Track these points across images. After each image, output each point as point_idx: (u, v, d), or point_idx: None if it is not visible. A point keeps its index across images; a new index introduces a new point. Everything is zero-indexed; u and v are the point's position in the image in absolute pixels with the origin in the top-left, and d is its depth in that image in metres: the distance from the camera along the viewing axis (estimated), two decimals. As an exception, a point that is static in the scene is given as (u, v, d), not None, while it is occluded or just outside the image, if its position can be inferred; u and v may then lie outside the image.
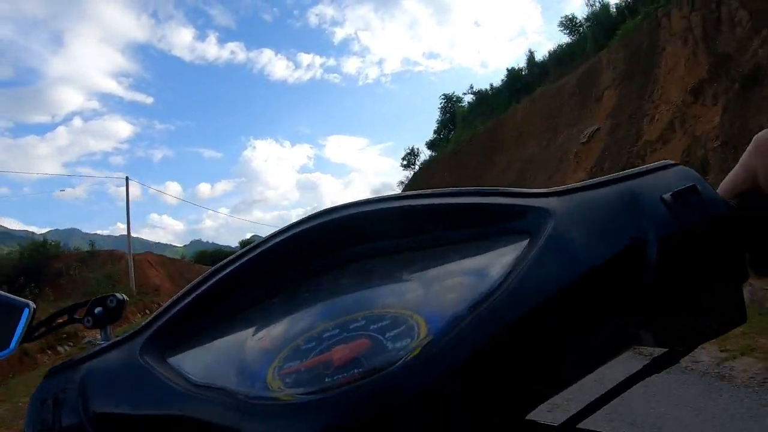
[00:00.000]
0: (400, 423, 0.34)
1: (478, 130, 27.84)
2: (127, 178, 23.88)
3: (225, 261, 0.49)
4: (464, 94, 36.90)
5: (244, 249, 0.49)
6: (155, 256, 30.49)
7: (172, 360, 0.44)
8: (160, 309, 0.48)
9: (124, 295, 0.55)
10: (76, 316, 0.55)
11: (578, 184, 0.44)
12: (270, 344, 0.43)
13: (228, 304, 0.47)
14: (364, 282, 0.46)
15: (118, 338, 0.48)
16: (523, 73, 28.83)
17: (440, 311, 0.39)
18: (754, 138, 0.42)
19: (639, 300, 0.38)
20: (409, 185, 39.00)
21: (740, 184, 0.42)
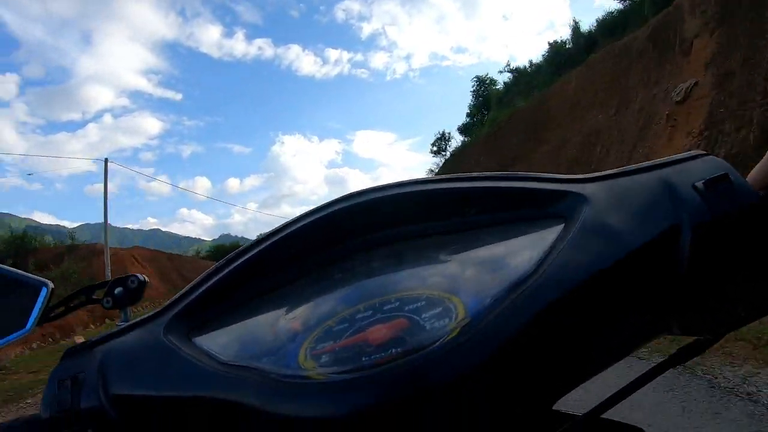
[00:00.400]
0: (438, 402, 0.34)
1: (518, 107, 24.44)
2: (106, 161, 21.24)
3: (252, 242, 0.48)
4: (500, 72, 33.40)
5: (272, 230, 0.48)
6: (146, 251, 27.31)
7: (198, 340, 0.43)
8: (186, 288, 0.47)
9: (145, 276, 0.54)
10: (95, 297, 0.54)
11: (612, 171, 0.44)
12: (301, 325, 0.42)
13: (254, 285, 0.47)
14: (396, 264, 0.45)
15: (139, 318, 0.47)
16: (567, 46, 25.59)
17: (477, 293, 0.38)
18: None
19: (671, 287, 0.38)
20: (440, 173, 35.42)
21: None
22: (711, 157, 0.42)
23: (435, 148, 38.57)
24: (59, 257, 20.76)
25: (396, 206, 0.47)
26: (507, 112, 25.68)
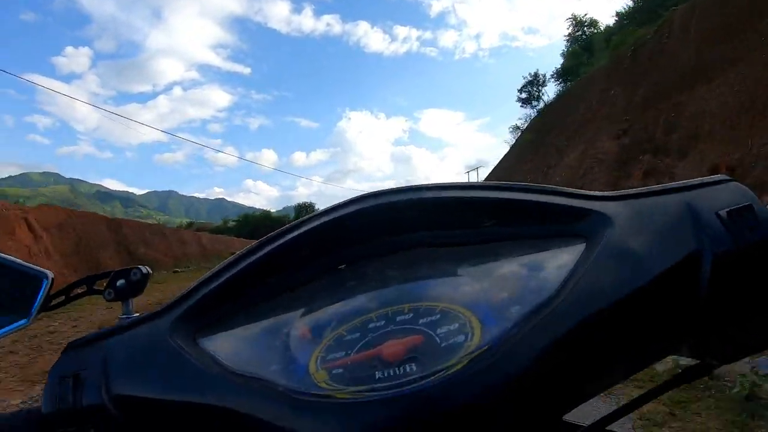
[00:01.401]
0: (452, 428, 0.33)
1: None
2: None
3: (263, 239, 0.46)
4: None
5: (284, 228, 0.46)
6: (56, 213, 14.74)
7: (204, 342, 0.42)
8: (192, 286, 0.45)
9: (148, 268, 0.53)
10: (96, 287, 0.54)
11: (635, 190, 0.43)
12: (311, 332, 0.41)
13: (264, 286, 0.45)
14: (410, 272, 0.44)
15: (144, 314, 0.45)
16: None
17: (495, 312, 0.38)
18: None
19: (689, 313, 0.38)
20: (534, 128, 25.80)
21: None
22: (736, 183, 0.41)
23: (524, 96, 29.17)
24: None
25: (412, 211, 0.45)
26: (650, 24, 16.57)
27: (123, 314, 0.50)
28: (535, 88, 29.66)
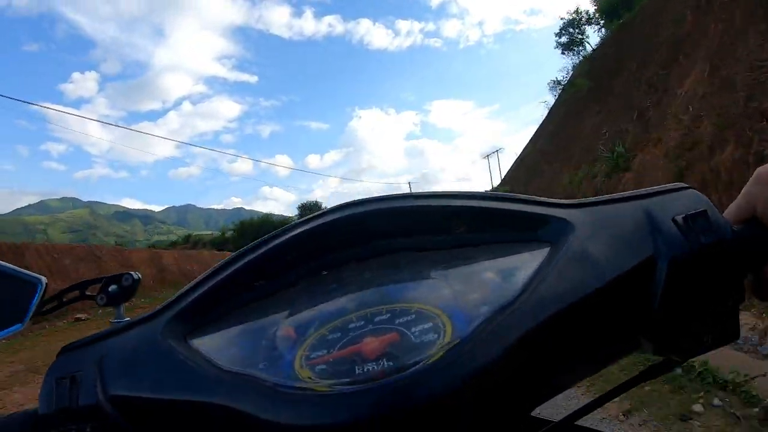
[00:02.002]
0: (425, 417, 0.36)
1: None
2: None
3: (250, 245, 0.49)
4: None
5: (271, 235, 0.50)
6: None
7: (195, 342, 0.44)
8: (183, 290, 0.48)
9: (139, 274, 0.55)
10: (88, 293, 0.55)
11: (596, 198, 0.46)
12: (295, 332, 0.43)
13: (251, 291, 0.48)
14: (387, 276, 0.47)
15: (139, 317, 0.47)
16: None
17: (465, 311, 0.40)
18: (756, 170, 0.45)
19: (647, 313, 0.41)
20: (590, 70, 19.21)
21: (742, 212, 0.45)
22: (693, 190, 0.44)
23: (563, 39, 22.50)
24: None
25: (390, 219, 0.48)
26: None
27: (115, 318, 0.53)
28: (576, 30, 22.82)
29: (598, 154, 13.13)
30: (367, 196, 0.50)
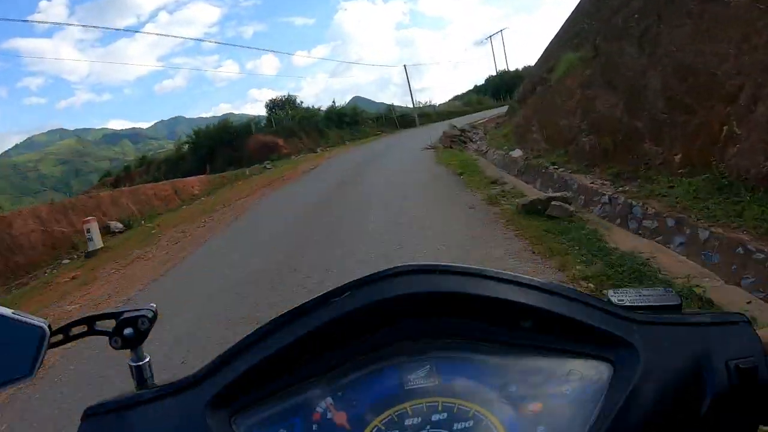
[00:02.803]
0: None
1: None
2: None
3: (293, 314, 0.44)
4: None
5: (311, 304, 0.44)
6: None
7: (240, 425, 0.41)
8: (222, 359, 0.43)
9: (156, 310, 0.52)
10: (97, 328, 0.52)
11: (660, 317, 0.45)
12: (348, 421, 0.41)
13: (295, 368, 0.44)
14: (442, 362, 0.44)
15: (171, 384, 0.43)
16: None
17: (521, 427, 0.40)
18: None
19: None
20: None
21: None
22: (747, 326, 0.45)
23: None
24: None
25: (453, 298, 0.44)
26: None
27: (132, 361, 0.50)
28: None
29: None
30: (427, 262, 0.45)
